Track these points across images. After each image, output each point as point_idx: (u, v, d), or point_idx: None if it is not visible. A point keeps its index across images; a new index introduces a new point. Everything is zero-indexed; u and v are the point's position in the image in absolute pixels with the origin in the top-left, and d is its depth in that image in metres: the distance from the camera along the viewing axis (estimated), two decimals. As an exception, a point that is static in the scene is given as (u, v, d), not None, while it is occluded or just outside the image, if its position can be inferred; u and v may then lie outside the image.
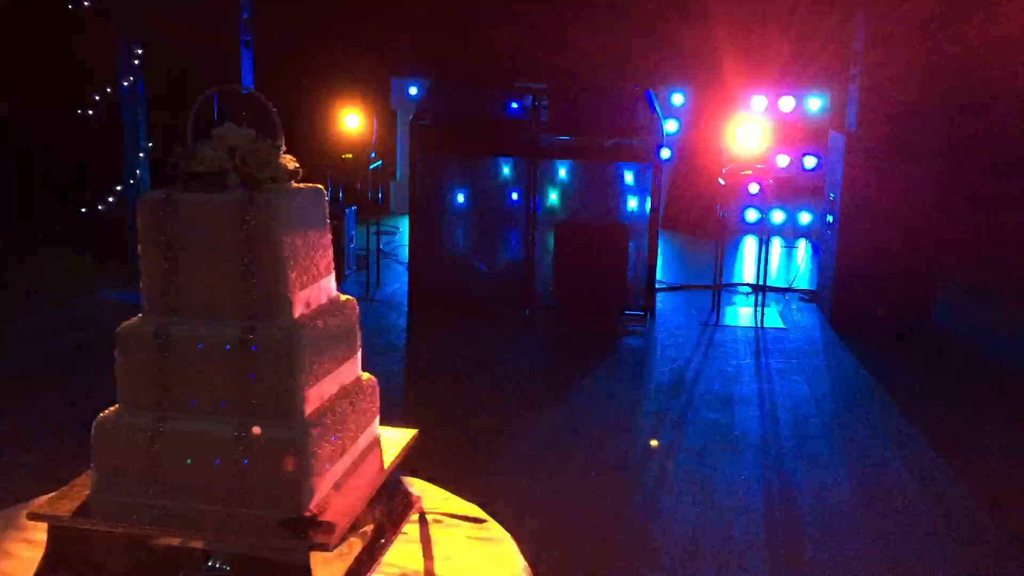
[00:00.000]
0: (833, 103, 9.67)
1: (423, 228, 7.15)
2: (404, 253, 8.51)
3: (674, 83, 10.23)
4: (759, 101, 9.86)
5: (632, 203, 7.10)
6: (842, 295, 6.74)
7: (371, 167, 7.35)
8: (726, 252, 7.50)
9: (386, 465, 3.13)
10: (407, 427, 3.50)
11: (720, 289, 7.28)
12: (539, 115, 6.89)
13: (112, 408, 2.79)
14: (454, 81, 8.34)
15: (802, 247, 9.26)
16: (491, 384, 5.60)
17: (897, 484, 4.38)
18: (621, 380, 5.75)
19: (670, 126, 9.99)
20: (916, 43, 6.29)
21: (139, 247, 2.68)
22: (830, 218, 6.93)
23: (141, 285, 2.75)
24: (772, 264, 8.21)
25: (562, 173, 7.32)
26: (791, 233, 9.77)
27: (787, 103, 9.90)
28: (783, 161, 9.88)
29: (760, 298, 7.09)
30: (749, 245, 9.54)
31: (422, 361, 6.12)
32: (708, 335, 6.61)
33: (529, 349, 6.38)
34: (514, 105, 7.30)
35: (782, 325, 6.83)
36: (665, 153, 9.18)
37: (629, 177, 7.10)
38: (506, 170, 7.32)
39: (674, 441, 4.81)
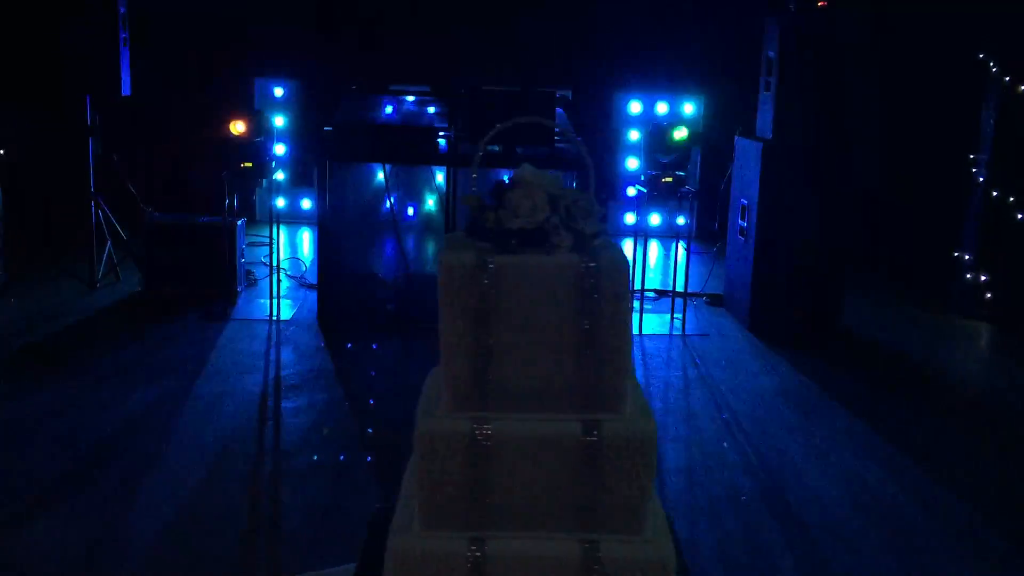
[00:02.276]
0: (708, 108, 9.86)
1: (333, 241, 6.72)
2: (297, 266, 8.02)
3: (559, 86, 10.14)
4: (635, 105, 9.93)
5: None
6: (760, 299, 6.83)
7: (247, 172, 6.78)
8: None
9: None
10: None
11: (638, 296, 7.23)
12: (459, 122, 6.59)
13: (396, 524, 2.21)
14: (331, 82, 7.93)
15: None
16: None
17: (890, 495, 4.44)
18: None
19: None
20: (838, 54, 6.46)
21: (443, 324, 2.13)
22: (743, 224, 7.02)
23: (446, 372, 2.20)
24: (649, 267, 8.26)
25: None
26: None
27: (662, 107, 10.01)
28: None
29: (680, 304, 7.09)
30: (652, 250, 9.58)
31: (360, 387, 5.72)
32: (637, 345, 6.54)
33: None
34: (431, 111, 6.99)
35: (704, 332, 6.85)
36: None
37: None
38: (423, 178, 6.99)
39: (661, 462, 4.69)
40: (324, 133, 6.50)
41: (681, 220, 9.85)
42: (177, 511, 4.02)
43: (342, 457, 4.61)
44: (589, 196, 2.24)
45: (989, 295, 7.29)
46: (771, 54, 6.74)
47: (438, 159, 6.58)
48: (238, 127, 6.45)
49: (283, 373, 5.77)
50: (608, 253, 2.21)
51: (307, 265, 8.11)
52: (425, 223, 7.59)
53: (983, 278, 7.31)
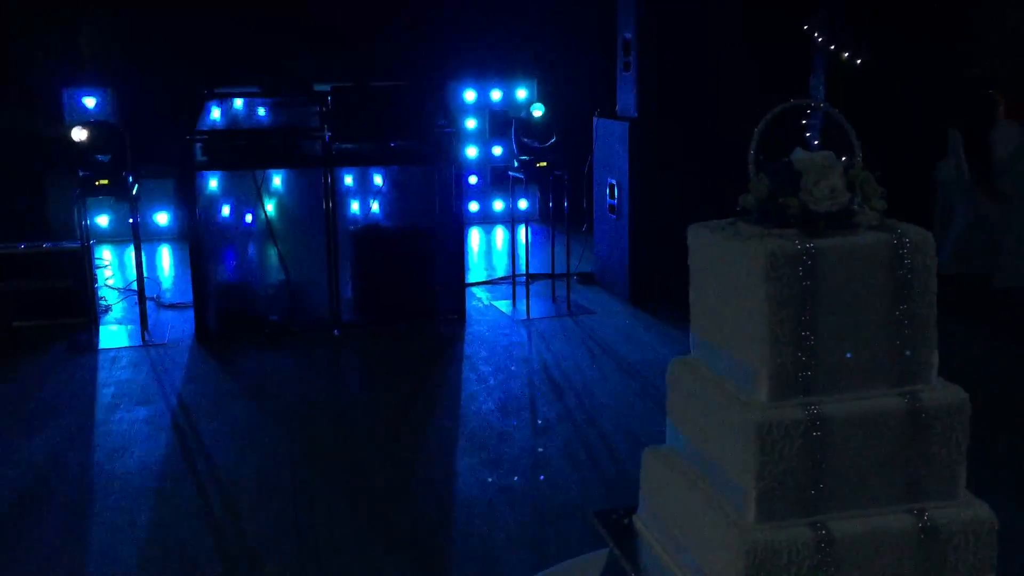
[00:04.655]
0: (539, 92, 10.03)
1: (205, 253, 6.36)
2: (151, 286, 7.56)
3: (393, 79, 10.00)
4: (470, 94, 9.97)
5: (435, 204, 6.86)
6: (638, 273, 7.07)
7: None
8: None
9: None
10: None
11: (515, 280, 7.28)
12: (329, 121, 6.38)
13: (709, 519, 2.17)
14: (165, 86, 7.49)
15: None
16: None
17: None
18: (503, 405, 5.57)
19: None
20: (691, 32, 6.75)
21: (756, 314, 2.04)
22: (612, 202, 7.22)
23: (768, 361, 2.12)
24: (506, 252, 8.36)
25: (350, 180, 6.90)
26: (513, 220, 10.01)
27: (496, 94, 10.10)
28: (497, 151, 10.11)
29: (566, 285, 7.21)
30: (498, 235, 9.67)
31: (273, 403, 5.46)
32: (535, 329, 6.60)
33: (342, 382, 5.95)
34: (294, 112, 6.74)
35: (591, 309, 7.01)
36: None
37: (427, 178, 6.84)
38: (296, 181, 6.73)
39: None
40: (189, 142, 6.12)
41: (524, 204, 10.03)
42: (140, 560, 3.71)
43: (294, 477, 4.41)
44: (869, 173, 2.26)
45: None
46: (628, 35, 6.96)
47: (316, 161, 6.35)
48: (79, 134, 5.94)
49: (184, 399, 5.42)
50: (910, 228, 2.28)
51: (166, 284, 7.65)
52: (264, 230, 7.17)
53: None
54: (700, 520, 2.31)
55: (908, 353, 2.25)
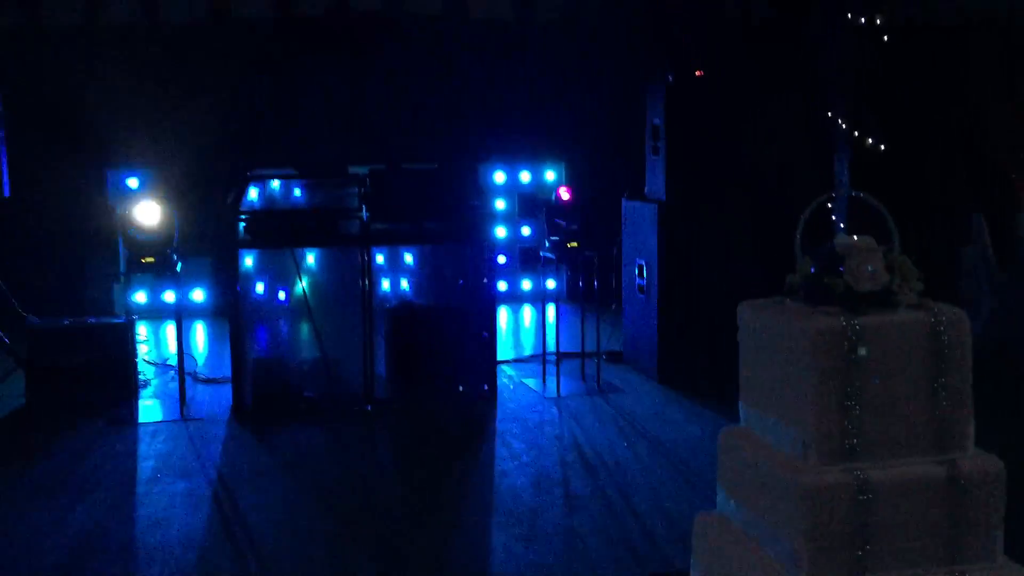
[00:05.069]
0: (568, 174, 10.25)
1: (245, 330, 6.53)
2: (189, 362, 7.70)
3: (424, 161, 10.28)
4: (500, 175, 10.21)
5: (466, 283, 7.01)
6: (668, 352, 7.16)
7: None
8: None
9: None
10: None
11: (545, 359, 7.37)
12: (368, 202, 6.58)
13: None
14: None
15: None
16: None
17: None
18: (527, 487, 5.63)
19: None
20: (717, 118, 6.97)
21: (804, 385, 2.17)
22: (641, 281, 7.36)
23: (815, 429, 2.29)
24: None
25: (381, 259, 7.08)
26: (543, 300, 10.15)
27: (525, 175, 10.34)
28: (526, 231, 10.32)
29: (596, 364, 7.30)
30: (526, 314, 9.81)
31: (309, 478, 5.53)
32: (566, 407, 6.68)
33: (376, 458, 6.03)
34: (328, 193, 6.96)
35: (621, 388, 7.09)
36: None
37: (459, 257, 7.00)
38: (328, 260, 6.91)
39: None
40: (234, 221, 6.33)
41: (552, 283, 10.18)
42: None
43: (330, 550, 4.48)
44: (906, 257, 2.43)
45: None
46: (657, 121, 7.18)
47: (354, 240, 6.54)
48: (149, 217, 6.16)
49: (223, 473, 5.52)
50: (946, 307, 2.50)
51: (200, 360, 7.81)
52: (301, 306, 7.29)
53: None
54: None
55: (946, 423, 2.43)
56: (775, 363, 2.49)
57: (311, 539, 4.62)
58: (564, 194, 7.01)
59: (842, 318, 2.42)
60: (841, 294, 2.43)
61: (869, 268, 2.40)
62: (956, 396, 2.46)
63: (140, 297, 9.43)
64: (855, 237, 2.52)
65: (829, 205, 7.52)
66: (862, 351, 2.32)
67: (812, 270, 2.50)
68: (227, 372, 6.92)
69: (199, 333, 8.99)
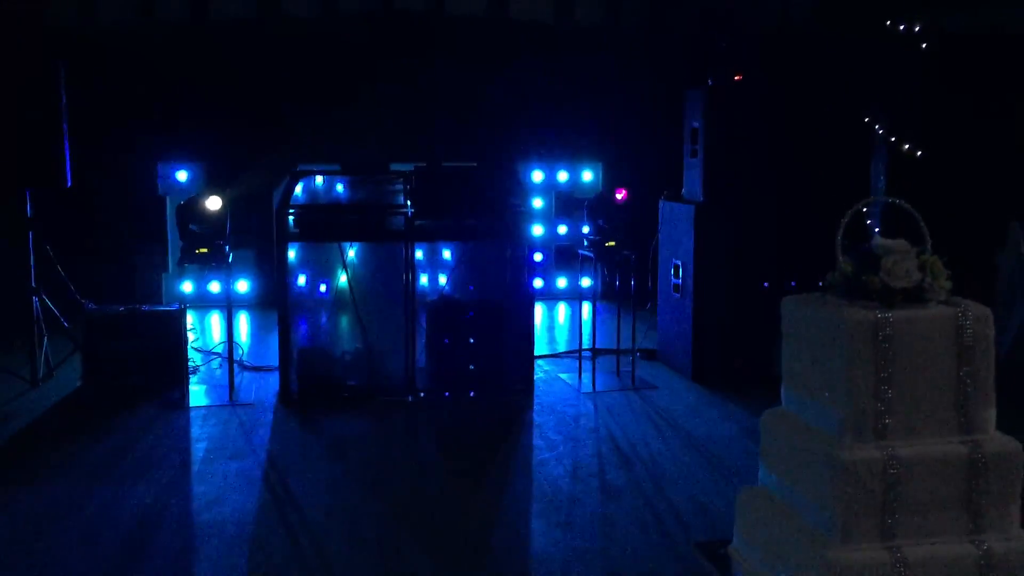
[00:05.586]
0: (605, 174, 10.43)
1: (292, 320, 6.77)
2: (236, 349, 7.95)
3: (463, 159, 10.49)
4: (537, 174, 10.40)
5: (505, 279, 7.21)
6: (702, 351, 7.32)
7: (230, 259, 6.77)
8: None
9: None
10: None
11: (581, 354, 7.56)
12: (412, 198, 6.81)
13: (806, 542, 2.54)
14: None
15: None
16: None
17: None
18: (571, 468, 5.82)
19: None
20: (755, 121, 7.12)
21: (842, 372, 2.46)
22: (677, 281, 7.52)
23: (851, 412, 2.57)
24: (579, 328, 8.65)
25: (420, 254, 7.29)
26: (580, 297, 10.35)
27: (563, 175, 10.52)
28: (563, 230, 10.51)
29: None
30: (561, 311, 10.00)
31: (357, 463, 5.76)
32: (601, 402, 6.86)
33: (419, 446, 6.25)
34: (370, 189, 7.18)
35: (655, 385, 7.26)
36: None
37: (498, 254, 7.20)
38: (371, 254, 7.13)
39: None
40: (284, 215, 6.57)
41: (587, 281, 10.35)
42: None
43: (379, 531, 4.70)
44: (937, 257, 2.69)
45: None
46: (695, 124, 7.34)
47: (398, 235, 6.76)
48: (213, 205, 6.41)
49: (272, 455, 5.76)
50: (971, 304, 2.77)
51: (245, 348, 8.07)
52: (346, 299, 7.54)
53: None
54: (792, 546, 2.83)
55: (969, 408, 2.74)
56: (815, 351, 2.84)
57: (360, 521, 4.83)
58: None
59: (877, 311, 2.69)
60: (877, 290, 2.70)
61: (903, 267, 2.68)
62: (979, 384, 2.73)
63: (187, 287, 9.73)
64: (890, 239, 2.81)
65: (864, 209, 7.64)
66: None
67: (851, 269, 2.80)
68: (272, 360, 7.20)
69: (243, 323, 9.26)
